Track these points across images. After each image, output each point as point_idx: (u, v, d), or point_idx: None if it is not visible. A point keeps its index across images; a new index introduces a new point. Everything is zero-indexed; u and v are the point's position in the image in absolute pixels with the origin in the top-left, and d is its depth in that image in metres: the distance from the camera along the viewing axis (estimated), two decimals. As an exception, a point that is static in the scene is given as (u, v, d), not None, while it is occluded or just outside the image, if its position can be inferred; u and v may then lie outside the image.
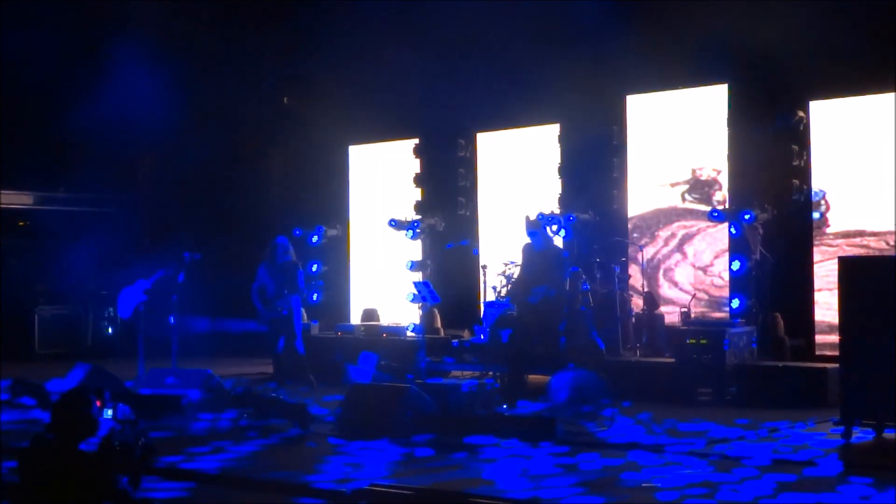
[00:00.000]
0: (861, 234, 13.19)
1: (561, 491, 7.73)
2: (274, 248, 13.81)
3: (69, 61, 17.92)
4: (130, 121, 18.20)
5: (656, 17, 14.21)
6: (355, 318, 17.06)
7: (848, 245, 13.18)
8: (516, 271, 13.49)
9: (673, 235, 14.67)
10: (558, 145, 15.55)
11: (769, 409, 11.23)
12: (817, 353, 12.97)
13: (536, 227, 12.01)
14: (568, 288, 12.05)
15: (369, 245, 17.61)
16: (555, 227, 12.27)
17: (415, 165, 16.96)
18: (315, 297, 16.62)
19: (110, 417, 10.55)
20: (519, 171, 16.14)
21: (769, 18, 13.20)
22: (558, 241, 13.18)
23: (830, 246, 13.35)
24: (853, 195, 13.12)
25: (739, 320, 12.85)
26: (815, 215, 13.38)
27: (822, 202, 13.41)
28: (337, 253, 17.62)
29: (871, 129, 12.92)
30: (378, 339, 15.17)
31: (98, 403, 6.12)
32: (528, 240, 12.27)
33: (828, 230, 13.40)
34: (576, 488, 7.81)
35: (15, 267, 18.47)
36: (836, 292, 9.89)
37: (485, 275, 14.75)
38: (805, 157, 13.34)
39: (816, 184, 13.32)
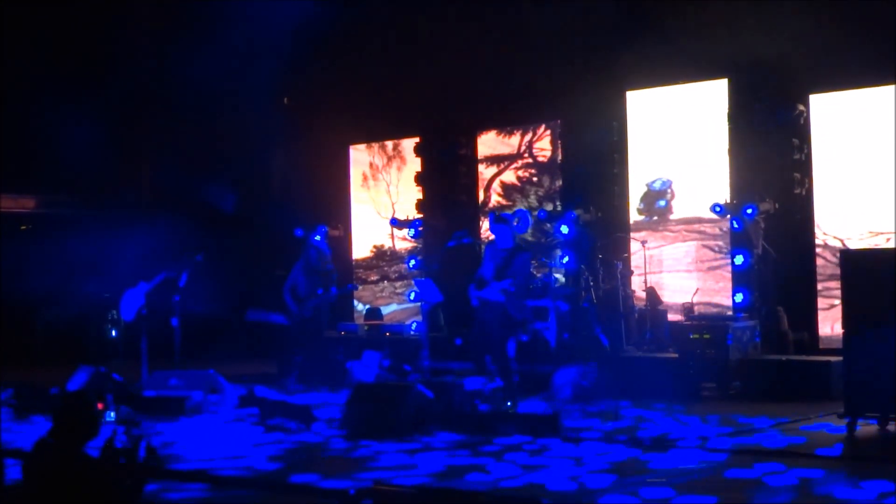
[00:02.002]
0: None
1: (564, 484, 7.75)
2: (308, 249, 13.87)
3: (66, 65, 17.94)
4: (131, 123, 18.21)
5: (656, 13, 14.19)
6: (358, 318, 17.08)
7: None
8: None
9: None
10: (559, 142, 15.54)
11: (773, 402, 11.23)
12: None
13: (504, 223, 11.91)
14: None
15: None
16: (516, 222, 12.24)
17: (416, 164, 16.97)
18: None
19: (113, 420, 10.59)
20: (523, 168, 16.16)
21: (769, 13, 13.20)
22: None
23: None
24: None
25: (742, 315, 12.83)
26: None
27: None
28: (339, 252, 17.61)
29: (871, 122, 12.94)
30: (381, 338, 15.16)
31: (100, 406, 6.12)
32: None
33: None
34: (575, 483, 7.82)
35: (17, 271, 18.45)
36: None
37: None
38: (806, 151, 13.33)
39: (817, 178, 13.34)
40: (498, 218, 11.90)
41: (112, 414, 10.82)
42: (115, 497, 5.84)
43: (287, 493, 7.75)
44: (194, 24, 17.72)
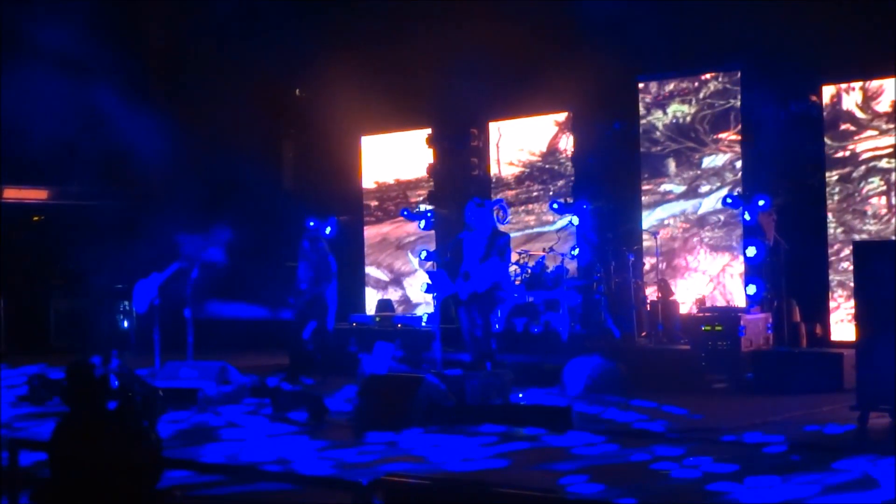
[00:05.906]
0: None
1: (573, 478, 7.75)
2: (301, 241, 13.94)
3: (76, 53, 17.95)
4: (141, 113, 18.20)
5: (668, 2, 14.14)
6: (370, 309, 17.08)
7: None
8: (531, 260, 13.47)
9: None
10: (570, 132, 15.51)
11: (785, 395, 11.21)
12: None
13: (484, 208, 12.02)
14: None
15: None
16: (501, 215, 12.37)
17: (428, 155, 16.95)
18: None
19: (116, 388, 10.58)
20: (532, 160, 16.13)
21: (782, 2, 13.13)
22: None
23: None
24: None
25: (755, 307, 12.81)
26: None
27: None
28: (351, 243, 17.63)
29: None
30: (393, 329, 15.17)
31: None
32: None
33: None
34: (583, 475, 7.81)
35: (30, 261, 18.51)
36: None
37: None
38: (818, 142, 13.29)
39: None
40: (479, 204, 12.01)
41: (116, 383, 10.84)
42: (144, 438, 5.79)
43: (299, 484, 7.78)
44: (204, 9, 17.71)
